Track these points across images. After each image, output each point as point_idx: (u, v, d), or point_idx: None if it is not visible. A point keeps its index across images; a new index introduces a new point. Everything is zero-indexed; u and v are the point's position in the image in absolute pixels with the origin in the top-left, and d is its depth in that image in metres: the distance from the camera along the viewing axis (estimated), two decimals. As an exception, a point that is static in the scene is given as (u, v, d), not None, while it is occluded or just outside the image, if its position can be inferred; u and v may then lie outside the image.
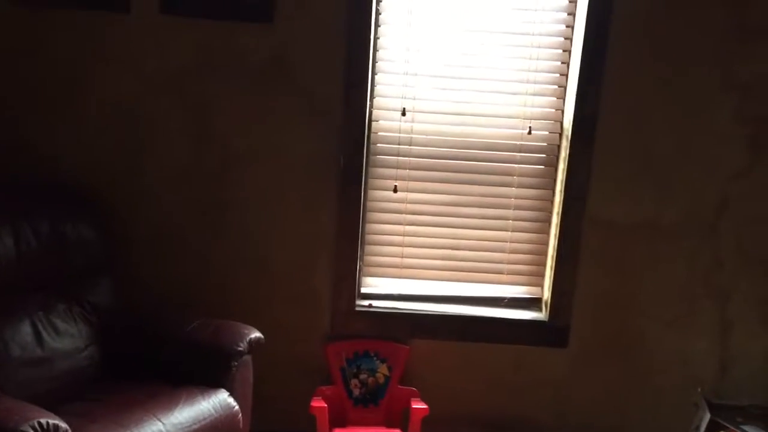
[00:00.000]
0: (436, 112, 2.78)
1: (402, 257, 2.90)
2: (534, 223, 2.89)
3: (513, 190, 2.85)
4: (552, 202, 2.86)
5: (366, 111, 2.70)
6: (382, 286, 2.93)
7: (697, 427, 2.73)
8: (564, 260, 2.82)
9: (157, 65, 2.63)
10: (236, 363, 2.39)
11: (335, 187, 2.75)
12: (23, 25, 2.58)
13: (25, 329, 2.29)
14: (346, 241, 2.79)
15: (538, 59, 2.74)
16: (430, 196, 2.84)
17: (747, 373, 2.92)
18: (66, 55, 2.61)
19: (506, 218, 2.87)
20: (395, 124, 2.77)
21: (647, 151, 2.75)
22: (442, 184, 2.83)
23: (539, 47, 2.73)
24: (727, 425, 2.64)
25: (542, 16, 2.71)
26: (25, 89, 2.64)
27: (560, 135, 2.80)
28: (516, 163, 2.82)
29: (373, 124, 2.77)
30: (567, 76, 2.75)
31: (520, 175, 2.84)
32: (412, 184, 2.82)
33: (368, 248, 2.88)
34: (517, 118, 2.79)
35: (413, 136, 2.78)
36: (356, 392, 2.87)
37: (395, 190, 2.81)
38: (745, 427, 2.62)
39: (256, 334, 2.46)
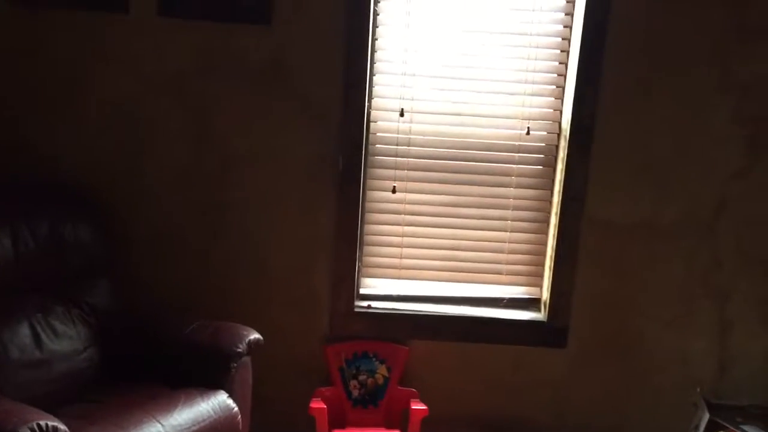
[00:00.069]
0: (435, 112, 2.78)
1: (401, 258, 2.90)
2: (532, 224, 2.89)
3: (511, 191, 2.85)
4: (550, 202, 2.86)
5: (364, 112, 2.70)
6: (381, 287, 2.93)
7: (697, 427, 2.73)
8: (562, 260, 2.82)
9: (156, 66, 2.63)
10: (235, 364, 2.39)
11: (334, 188, 2.75)
12: (23, 25, 2.58)
13: (24, 331, 2.29)
14: (344, 242, 2.79)
15: (536, 59, 2.74)
16: (429, 196, 2.85)
17: (746, 373, 2.92)
18: (65, 56, 2.62)
19: (505, 219, 2.87)
20: (394, 125, 2.77)
21: (646, 152, 2.75)
22: (441, 185, 2.83)
23: (537, 48, 2.73)
24: (727, 425, 2.64)
25: (540, 16, 2.71)
26: (25, 89, 2.64)
27: (558, 135, 2.80)
28: (514, 164, 2.82)
29: (372, 124, 2.77)
30: (565, 76, 2.75)
31: (519, 175, 2.84)
32: (410, 185, 2.82)
33: (367, 249, 2.88)
34: (516, 118, 2.79)
35: (412, 136, 2.78)
36: (355, 393, 2.87)
37: (394, 191, 2.81)
38: (745, 427, 2.62)
39: (255, 336, 2.47)
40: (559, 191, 2.78)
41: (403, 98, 2.74)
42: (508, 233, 2.89)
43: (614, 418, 2.96)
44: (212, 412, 2.26)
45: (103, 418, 2.09)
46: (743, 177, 2.77)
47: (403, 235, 2.87)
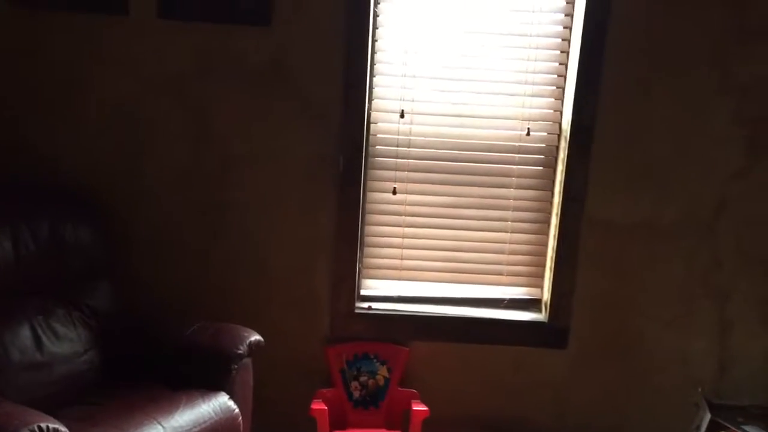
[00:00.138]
0: (435, 113, 2.78)
1: (401, 259, 2.90)
2: (533, 224, 2.89)
3: (512, 192, 2.85)
4: (551, 203, 2.86)
5: (365, 112, 2.70)
6: (382, 288, 2.93)
7: (698, 427, 2.73)
8: (563, 261, 2.82)
9: (156, 67, 2.63)
10: (236, 366, 2.39)
11: (334, 189, 2.75)
12: (23, 26, 2.58)
13: (25, 333, 2.29)
14: (345, 243, 2.79)
15: (536, 60, 2.74)
16: (429, 197, 2.85)
17: (747, 373, 2.92)
18: (65, 57, 2.61)
19: (505, 219, 2.87)
20: (394, 126, 2.77)
21: (646, 152, 2.75)
22: (441, 186, 2.83)
23: (537, 48, 2.73)
24: (728, 425, 2.64)
25: (540, 17, 2.72)
26: (25, 90, 2.64)
27: (558, 136, 2.80)
28: (514, 165, 2.82)
29: (372, 126, 2.77)
30: (565, 77, 2.75)
31: (519, 176, 2.84)
32: (411, 186, 2.82)
33: (367, 250, 2.88)
34: (516, 119, 2.79)
35: (412, 137, 2.78)
36: (356, 394, 2.87)
37: (394, 192, 2.81)
38: (746, 427, 2.63)
39: (255, 337, 2.47)
40: (560, 192, 2.78)
41: (404, 99, 2.74)
42: (508, 234, 2.89)
43: (615, 419, 2.96)
44: (213, 414, 2.26)
45: (103, 420, 2.09)
46: (743, 177, 2.77)
47: (403, 236, 2.87)
